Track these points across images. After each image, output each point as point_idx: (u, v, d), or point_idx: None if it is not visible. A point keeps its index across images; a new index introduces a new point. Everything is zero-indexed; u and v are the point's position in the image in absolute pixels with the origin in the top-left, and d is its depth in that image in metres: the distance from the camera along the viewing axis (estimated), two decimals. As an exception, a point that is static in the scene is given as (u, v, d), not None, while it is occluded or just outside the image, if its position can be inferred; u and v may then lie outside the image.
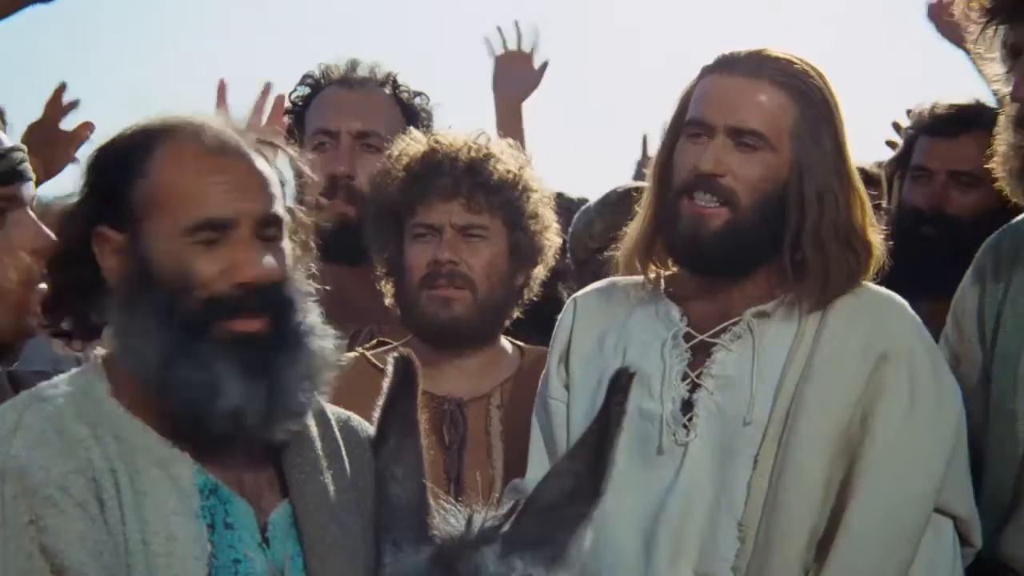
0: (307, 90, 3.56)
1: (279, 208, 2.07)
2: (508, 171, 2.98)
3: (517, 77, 4.64)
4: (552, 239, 3.04)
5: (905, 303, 2.62)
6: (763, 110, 2.55)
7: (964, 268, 2.86)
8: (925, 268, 3.10)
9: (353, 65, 3.55)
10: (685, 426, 2.54)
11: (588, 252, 3.50)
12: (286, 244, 2.08)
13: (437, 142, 3.02)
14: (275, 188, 2.08)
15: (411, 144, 3.04)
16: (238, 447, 2.07)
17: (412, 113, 3.55)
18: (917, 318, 2.60)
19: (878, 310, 2.58)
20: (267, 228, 2.04)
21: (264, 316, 2.02)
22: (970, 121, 3.45)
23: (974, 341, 2.75)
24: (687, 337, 2.60)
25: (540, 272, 3.05)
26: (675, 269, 2.68)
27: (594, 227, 3.53)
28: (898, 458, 2.46)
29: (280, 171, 2.13)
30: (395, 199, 3.01)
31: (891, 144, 4.68)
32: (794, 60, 2.60)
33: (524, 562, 1.91)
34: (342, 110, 3.50)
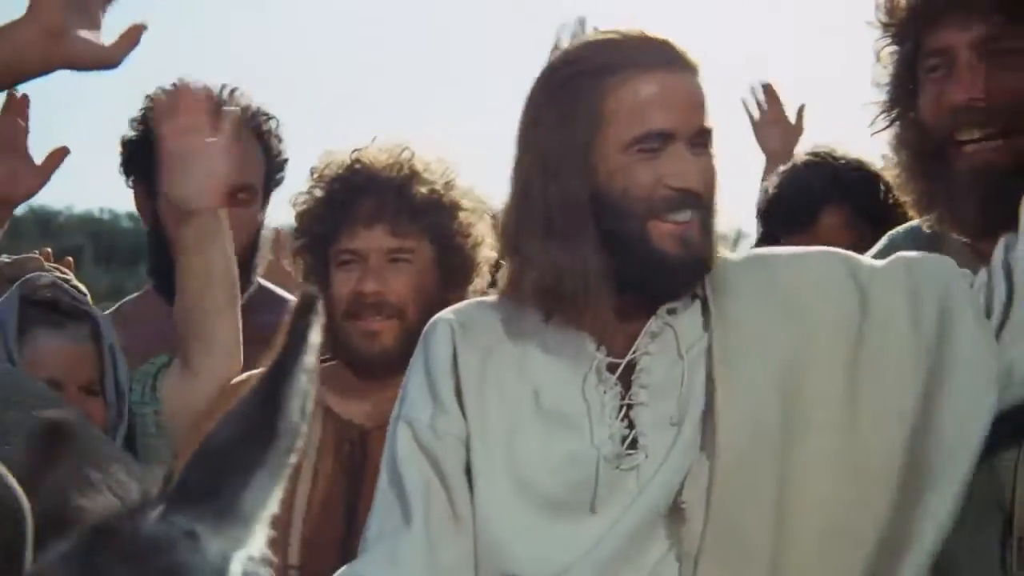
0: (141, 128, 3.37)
1: None
2: (433, 191, 2.90)
3: None
4: (486, 254, 2.93)
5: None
6: (706, 104, 2.27)
7: None
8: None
9: None
10: (630, 454, 2.25)
11: None
12: None
13: (359, 161, 2.93)
14: None
15: (331, 164, 2.96)
16: None
17: (265, 140, 3.43)
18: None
19: (765, 263, 2.37)
20: None
21: None
22: None
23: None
24: (610, 367, 2.29)
25: (478, 287, 2.93)
26: None
27: None
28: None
29: None
30: (318, 226, 2.95)
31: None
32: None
33: (188, 518, 1.52)
34: None
